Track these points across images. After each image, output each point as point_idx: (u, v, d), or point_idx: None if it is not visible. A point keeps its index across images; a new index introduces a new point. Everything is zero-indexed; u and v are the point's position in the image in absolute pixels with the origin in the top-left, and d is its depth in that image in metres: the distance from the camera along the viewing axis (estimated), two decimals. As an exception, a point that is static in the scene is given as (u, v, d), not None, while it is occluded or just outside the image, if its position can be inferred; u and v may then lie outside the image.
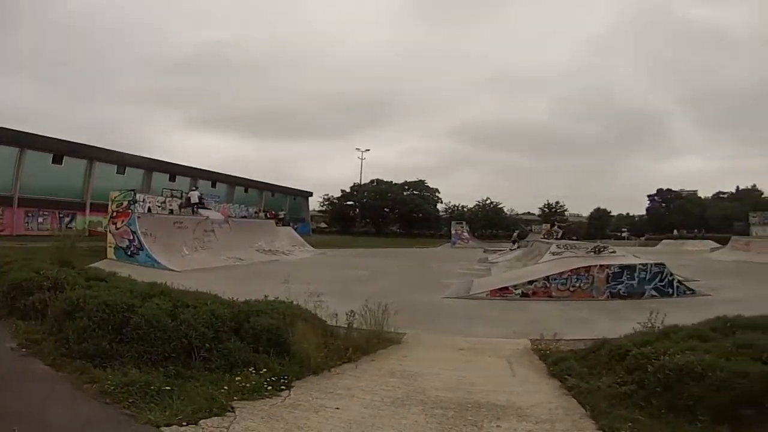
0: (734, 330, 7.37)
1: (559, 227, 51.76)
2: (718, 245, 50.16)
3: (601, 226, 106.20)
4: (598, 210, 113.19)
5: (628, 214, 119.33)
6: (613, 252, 20.88)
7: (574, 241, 31.31)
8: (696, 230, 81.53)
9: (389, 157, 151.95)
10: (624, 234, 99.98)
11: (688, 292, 17.58)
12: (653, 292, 17.12)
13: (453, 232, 72.35)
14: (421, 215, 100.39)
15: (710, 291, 18.21)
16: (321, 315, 8.98)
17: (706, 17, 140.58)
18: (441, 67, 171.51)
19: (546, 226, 56.01)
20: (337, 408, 5.78)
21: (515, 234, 55.16)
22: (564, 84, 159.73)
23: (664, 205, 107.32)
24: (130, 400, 5.54)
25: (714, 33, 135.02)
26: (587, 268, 17.53)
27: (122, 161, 51.54)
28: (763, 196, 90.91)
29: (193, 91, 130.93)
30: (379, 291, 14.45)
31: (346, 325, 8.89)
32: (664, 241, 65.55)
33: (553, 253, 22.41)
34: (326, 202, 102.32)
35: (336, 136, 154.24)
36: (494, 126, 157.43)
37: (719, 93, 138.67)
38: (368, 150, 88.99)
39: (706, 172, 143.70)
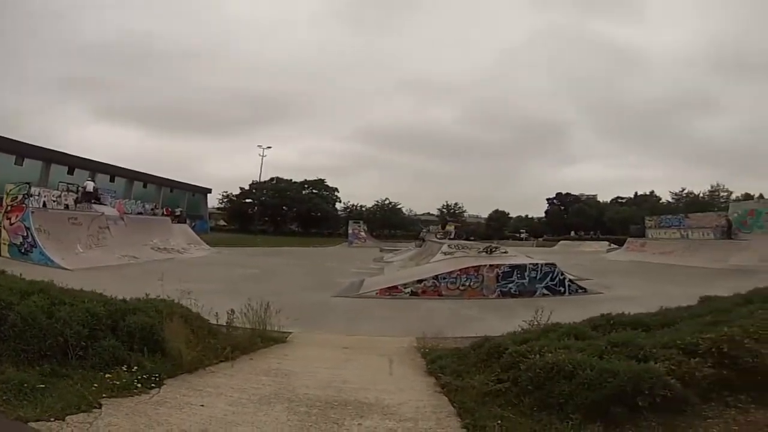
0: (615, 327, 7.96)
1: (454, 227, 52.71)
2: (614, 246, 53.23)
3: (499, 227, 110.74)
4: (496, 211, 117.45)
5: (527, 216, 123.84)
6: (505, 252, 21.96)
7: (467, 241, 32.12)
8: (593, 232, 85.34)
9: (292, 156, 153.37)
10: (523, 235, 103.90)
11: (580, 291, 18.72)
12: (545, 291, 18.08)
13: (350, 231, 73.27)
14: (319, 214, 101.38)
15: (603, 289, 19.42)
16: (206, 314, 9.12)
17: (616, 35, 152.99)
18: (351, 69, 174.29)
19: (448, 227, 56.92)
20: (202, 405, 5.99)
21: (422, 233, 56.10)
22: (472, 91, 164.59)
23: (562, 207, 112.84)
24: (4, 398, 5.62)
25: (621, 50, 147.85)
26: (476, 268, 18.32)
27: (19, 151, 48.73)
28: (660, 201, 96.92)
29: (98, 80, 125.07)
30: (270, 290, 14.56)
31: (231, 324, 9.07)
32: (561, 242, 69.36)
33: (445, 253, 23.20)
34: (225, 200, 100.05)
35: (239, 133, 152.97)
36: (399, 129, 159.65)
37: (622, 106, 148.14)
38: (270, 147, 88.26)
39: (607, 179, 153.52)
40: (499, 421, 5.41)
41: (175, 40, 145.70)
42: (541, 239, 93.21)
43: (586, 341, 6.99)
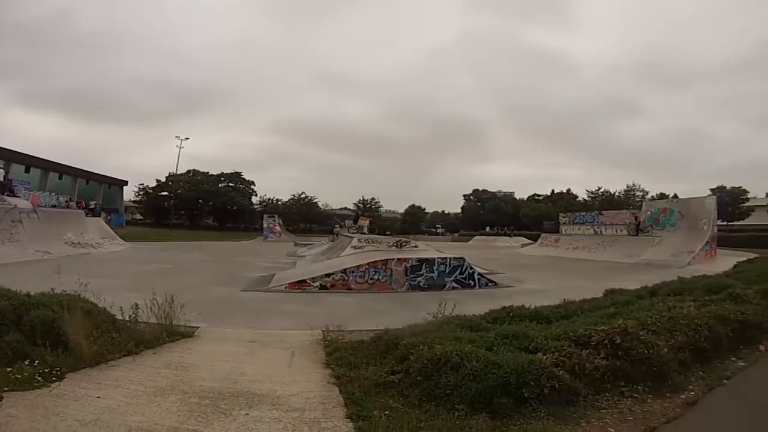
0: (514, 319, 8.19)
1: (368, 222, 52.94)
2: (529, 241, 54.31)
3: (415, 222, 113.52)
4: (413, 207, 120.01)
5: (443, 211, 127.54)
6: (415, 246, 21.77)
7: (378, 235, 32.15)
8: (507, 228, 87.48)
9: (212, 149, 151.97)
10: (439, 230, 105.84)
11: (490, 284, 18.94)
12: (454, 284, 18.25)
13: (265, 225, 72.34)
14: (235, 208, 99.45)
15: (514, 283, 19.79)
16: (113, 309, 8.96)
17: (543, 40, 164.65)
18: (274, 61, 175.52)
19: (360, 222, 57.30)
20: (98, 397, 6.02)
21: (335, 227, 56.27)
22: (394, 89, 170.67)
23: (479, 204, 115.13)
24: None
25: (548, 55, 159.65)
26: (385, 262, 18.30)
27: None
28: (577, 199, 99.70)
29: (13, 64, 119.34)
30: (181, 285, 14.37)
31: (135, 319, 8.95)
32: (476, 237, 70.30)
33: (355, 247, 22.92)
34: (141, 193, 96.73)
35: (160, 124, 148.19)
36: (319, 123, 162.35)
37: (544, 108, 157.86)
38: (188, 139, 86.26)
39: (525, 177, 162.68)
40: (386, 412, 5.52)
41: (96, 24, 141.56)
42: (456, 234, 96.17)
43: (478, 333, 7.11)
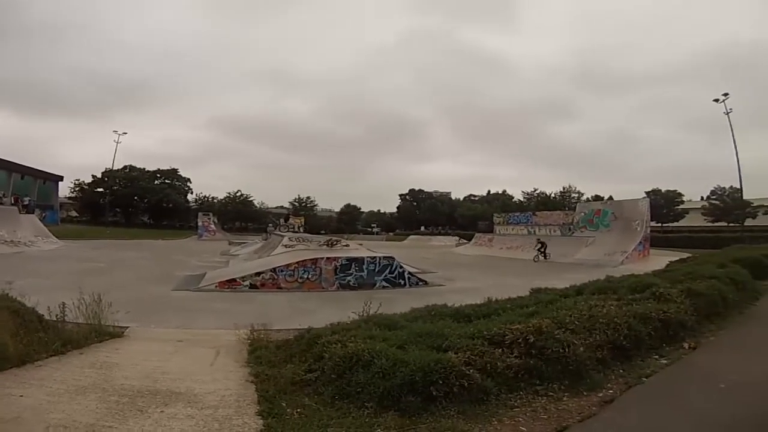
0: (436, 318, 8.27)
1: (302, 220, 53.08)
2: (464, 241, 54.95)
3: (351, 221, 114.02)
4: (348, 206, 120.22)
5: (379, 210, 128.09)
6: (346, 245, 22.01)
7: (310, 234, 32.21)
8: (440, 227, 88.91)
9: (150, 144, 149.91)
10: (375, 229, 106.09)
11: (420, 283, 19.15)
12: (384, 283, 18.43)
13: (200, 224, 72.13)
14: (171, 206, 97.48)
15: (445, 281, 20.04)
16: (42, 309, 8.87)
17: (486, 42, 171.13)
18: (217, 57, 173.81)
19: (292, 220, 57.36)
20: (21, 396, 6.06)
21: (269, 226, 56.31)
22: (333, 86, 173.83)
23: (415, 203, 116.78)
24: None
25: (490, 56, 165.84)
26: (314, 260, 18.44)
27: None
28: (513, 200, 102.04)
29: None
30: (112, 284, 14.61)
31: (62, 319, 8.89)
32: (412, 236, 70.93)
33: (286, 246, 22.97)
34: (77, 189, 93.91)
35: (98, 117, 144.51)
36: (257, 119, 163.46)
37: (483, 109, 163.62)
38: (125, 133, 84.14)
39: (462, 177, 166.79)
40: (299, 409, 5.60)
41: (30, 11, 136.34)
42: (392, 234, 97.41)
43: (394, 332, 7.13)
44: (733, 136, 51.20)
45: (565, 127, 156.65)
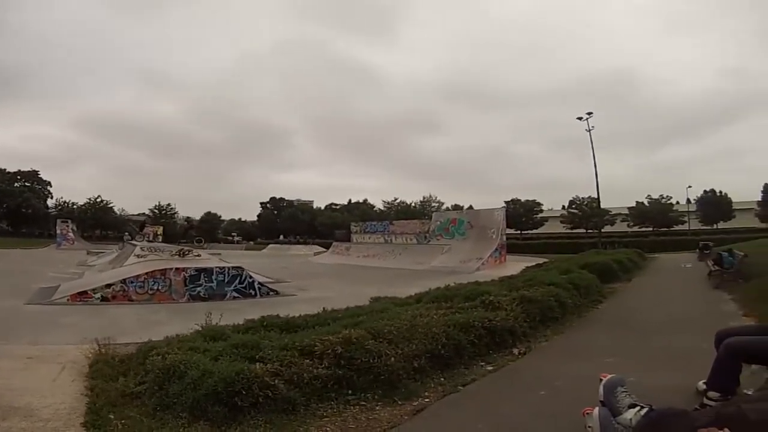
0: (267, 328, 8.40)
1: (161, 229, 52.45)
2: (322, 249, 55.22)
3: (210, 230, 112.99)
4: (208, 213, 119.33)
5: (240, 219, 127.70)
6: (198, 255, 21.69)
7: (162, 244, 31.76)
8: (299, 236, 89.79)
9: (10, 141, 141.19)
10: (235, 238, 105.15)
11: (271, 293, 19.24)
12: (235, 294, 18.43)
13: (59, 231, 69.56)
14: (30, 211, 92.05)
15: (298, 291, 20.26)
16: None
17: (361, 54, 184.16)
18: (87, 52, 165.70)
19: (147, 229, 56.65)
20: None
21: (125, 235, 55.26)
22: (201, 90, 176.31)
23: (275, 212, 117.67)
24: None
25: (363, 68, 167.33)
26: (163, 271, 18.18)
27: None
28: (374, 209, 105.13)
29: None
30: None
31: None
32: (271, 245, 71.04)
33: (138, 256, 22.31)
34: None
35: None
36: (125, 121, 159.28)
37: (350, 120, 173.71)
38: None
39: (325, 186, 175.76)
40: (124, 420, 5.59)
41: None
42: (252, 242, 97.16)
43: (217, 343, 7.21)
44: (593, 150, 54.40)
45: (433, 140, 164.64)
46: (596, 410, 3.94)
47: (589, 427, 3.90)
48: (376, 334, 7.18)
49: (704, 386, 5.24)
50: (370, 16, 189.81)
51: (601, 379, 4.21)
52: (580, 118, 56.03)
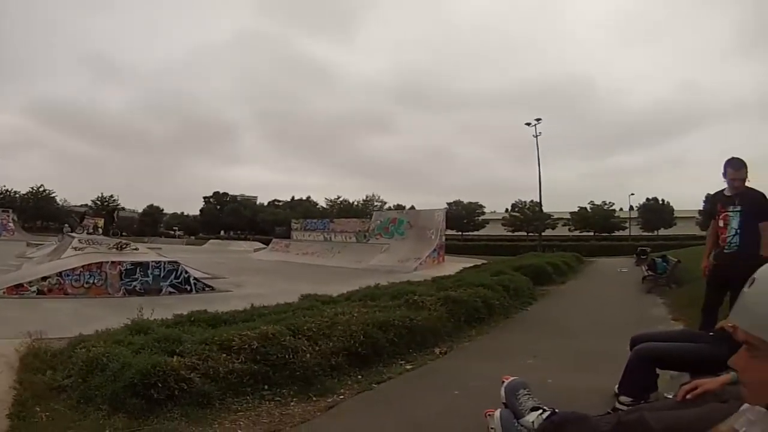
0: (195, 323, 8.51)
1: (101, 221, 51.57)
2: (262, 246, 54.99)
3: (153, 223, 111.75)
4: (151, 207, 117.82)
5: (182, 213, 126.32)
6: (135, 249, 21.39)
7: (101, 236, 31.20)
8: (240, 232, 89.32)
9: None
10: (178, 233, 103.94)
11: (207, 289, 19.11)
12: (170, 289, 18.19)
13: None
14: None
15: (234, 287, 20.21)
16: None
17: (317, 51, 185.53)
18: (37, 34, 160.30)
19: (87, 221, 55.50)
20: None
21: (65, 227, 54.11)
22: (152, 80, 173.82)
23: (218, 207, 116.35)
24: None
25: (317, 66, 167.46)
26: (99, 265, 17.78)
27: None
28: (317, 206, 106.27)
29: None
30: None
31: None
32: (211, 240, 70.28)
33: (75, 248, 21.94)
34: None
35: None
36: (73, 109, 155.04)
37: (299, 116, 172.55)
38: None
39: (271, 182, 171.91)
40: (48, 413, 5.56)
41: None
42: (193, 237, 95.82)
43: (140, 336, 7.23)
44: (538, 155, 55.55)
45: (381, 140, 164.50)
46: (498, 412, 3.97)
47: (492, 428, 3.93)
48: (296, 330, 7.33)
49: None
50: (331, 15, 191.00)
51: (503, 381, 4.23)
52: (528, 124, 57.45)
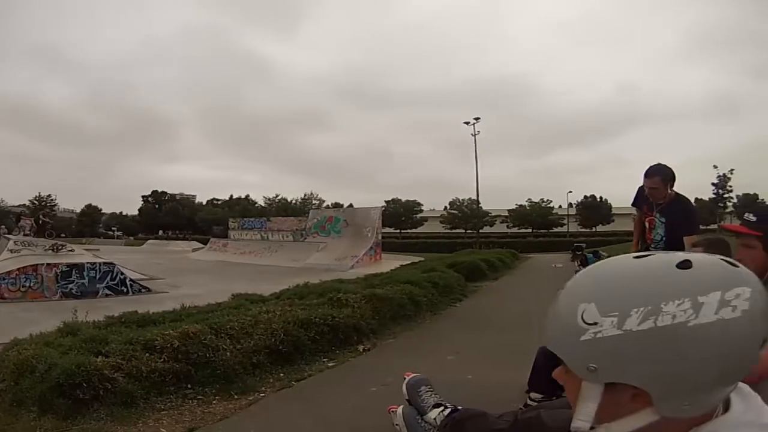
0: (126, 324, 8.46)
1: (39, 221, 50.97)
2: (201, 246, 54.58)
3: (91, 223, 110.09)
4: (89, 206, 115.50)
5: (121, 212, 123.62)
6: (72, 250, 21.16)
7: (36, 238, 30.79)
8: (178, 232, 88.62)
9: None
10: (116, 233, 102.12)
11: (143, 291, 19.14)
12: (107, 291, 18.22)
13: None
14: None
15: (171, 288, 20.30)
16: None
17: (259, 47, 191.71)
18: None
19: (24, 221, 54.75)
20: None
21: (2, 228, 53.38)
22: (95, 72, 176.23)
23: (157, 206, 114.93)
24: None
25: (259, 62, 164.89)
26: (35, 267, 17.70)
27: None
28: (255, 205, 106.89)
29: None
30: None
31: None
32: (150, 240, 69.62)
33: (11, 251, 21.49)
34: None
35: None
36: (14, 103, 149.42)
37: (239, 113, 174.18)
38: None
39: (210, 180, 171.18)
40: None
41: None
42: (132, 238, 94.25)
43: (69, 338, 7.29)
44: (476, 154, 56.36)
45: (320, 137, 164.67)
46: (400, 408, 4.08)
47: (396, 425, 4.05)
48: (218, 329, 7.54)
49: None
50: (275, 10, 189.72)
51: (404, 378, 4.27)
52: (467, 123, 58.22)
